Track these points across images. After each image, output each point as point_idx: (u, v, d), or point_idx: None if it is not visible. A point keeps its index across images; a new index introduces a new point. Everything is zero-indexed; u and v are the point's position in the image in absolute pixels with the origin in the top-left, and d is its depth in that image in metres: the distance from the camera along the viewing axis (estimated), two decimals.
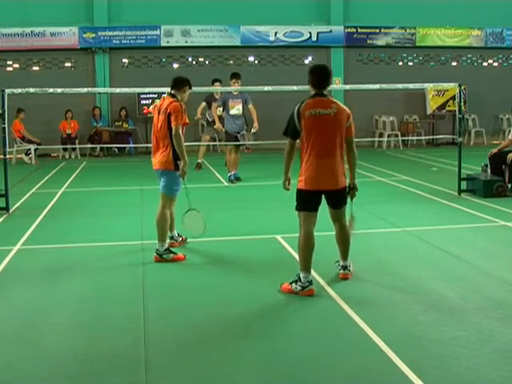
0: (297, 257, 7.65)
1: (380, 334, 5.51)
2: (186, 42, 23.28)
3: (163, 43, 23.14)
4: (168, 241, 8.47)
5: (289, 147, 6.88)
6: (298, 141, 6.85)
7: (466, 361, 4.96)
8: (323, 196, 6.92)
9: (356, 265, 7.42)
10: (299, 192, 6.87)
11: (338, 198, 7.01)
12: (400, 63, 25.18)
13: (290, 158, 6.93)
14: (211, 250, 8.89)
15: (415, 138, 23.73)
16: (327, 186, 6.82)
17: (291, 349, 5.33)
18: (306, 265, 6.75)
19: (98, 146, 21.40)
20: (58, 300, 6.69)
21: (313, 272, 7.32)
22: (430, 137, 23.54)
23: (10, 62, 23.05)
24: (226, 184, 14.90)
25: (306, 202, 6.81)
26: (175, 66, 23.86)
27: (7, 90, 11.69)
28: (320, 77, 6.95)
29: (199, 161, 17.44)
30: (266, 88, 14.21)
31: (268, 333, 5.72)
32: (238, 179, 15.23)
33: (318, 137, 6.75)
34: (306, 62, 24.52)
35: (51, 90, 12.88)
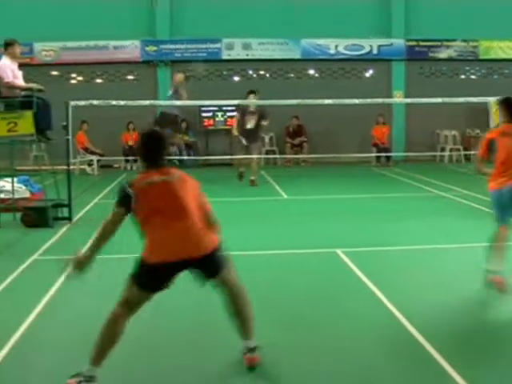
0: (358, 272, 7.58)
1: (442, 352, 5.41)
2: (247, 55, 23.42)
3: (224, 56, 23.31)
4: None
5: None
6: None
7: None
8: None
9: (416, 282, 7.31)
10: None
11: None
12: (462, 76, 24.87)
13: None
14: (270, 263, 8.86)
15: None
16: None
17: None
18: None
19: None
20: None
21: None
22: None
23: (74, 75, 23.53)
24: (285, 197, 14.89)
25: None
26: (236, 79, 24.01)
27: (71, 103, 11.90)
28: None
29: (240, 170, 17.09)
30: (327, 101, 14.16)
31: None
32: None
33: None
34: (367, 75, 24.42)
35: (114, 103, 13.07)
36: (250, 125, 16.10)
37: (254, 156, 16.53)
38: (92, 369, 4.78)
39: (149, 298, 4.94)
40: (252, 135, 16.30)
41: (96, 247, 4.89)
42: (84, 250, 4.92)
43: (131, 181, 4.95)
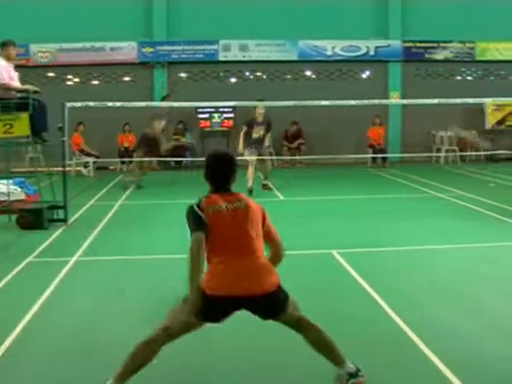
0: (353, 272, 7.57)
1: (439, 353, 5.41)
2: (244, 56, 23.41)
3: (221, 58, 23.32)
4: None
5: None
6: None
7: None
8: None
9: (412, 283, 7.32)
10: None
11: None
12: (459, 77, 24.89)
13: None
14: None
15: (473, 153, 23.41)
16: None
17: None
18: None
19: (155, 160, 21.62)
20: (115, 311, 6.74)
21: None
22: (489, 152, 23.14)
23: (70, 76, 23.54)
24: (282, 198, 14.90)
25: None
26: (233, 80, 24.03)
27: (67, 104, 11.89)
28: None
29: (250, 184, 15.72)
30: (324, 102, 14.16)
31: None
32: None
33: None
34: (364, 76, 24.45)
35: (110, 104, 13.06)
36: (256, 134, 15.77)
37: (267, 157, 16.29)
38: None
39: (195, 327, 4.61)
40: (259, 143, 15.89)
41: (195, 281, 4.40)
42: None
43: (200, 205, 4.55)
